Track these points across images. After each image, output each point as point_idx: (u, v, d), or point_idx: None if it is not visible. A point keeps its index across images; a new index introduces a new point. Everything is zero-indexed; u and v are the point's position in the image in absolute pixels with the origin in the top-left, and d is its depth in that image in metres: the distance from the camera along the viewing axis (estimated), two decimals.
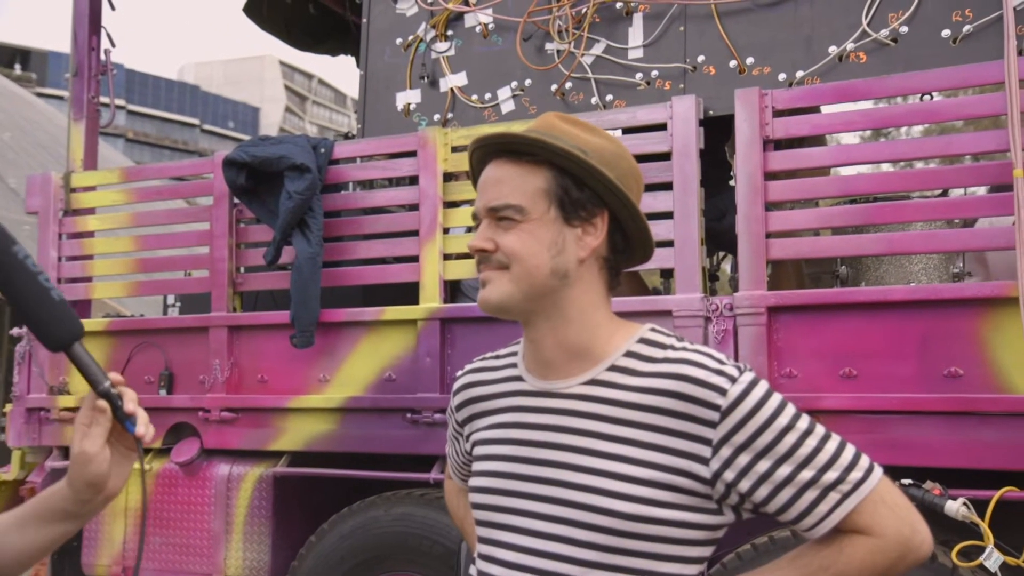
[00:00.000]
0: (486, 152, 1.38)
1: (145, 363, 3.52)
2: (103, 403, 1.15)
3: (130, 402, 1.16)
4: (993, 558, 2.19)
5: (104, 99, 4.00)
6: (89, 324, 3.66)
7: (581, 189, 1.32)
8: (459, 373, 1.53)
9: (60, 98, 30.06)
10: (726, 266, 4.36)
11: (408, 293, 3.14)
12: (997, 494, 2.25)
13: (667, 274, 3.22)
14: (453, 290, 3.22)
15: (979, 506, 2.25)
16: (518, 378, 1.41)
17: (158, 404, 3.41)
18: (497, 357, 1.49)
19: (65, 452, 3.61)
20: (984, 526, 2.20)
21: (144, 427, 1.16)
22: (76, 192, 3.74)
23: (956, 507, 2.22)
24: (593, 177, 1.31)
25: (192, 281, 3.75)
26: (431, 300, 3.06)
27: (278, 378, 3.29)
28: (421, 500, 3.02)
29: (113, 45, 3.99)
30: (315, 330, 3.15)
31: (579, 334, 1.34)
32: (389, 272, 3.23)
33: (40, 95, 29.19)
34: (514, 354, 1.46)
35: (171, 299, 4.08)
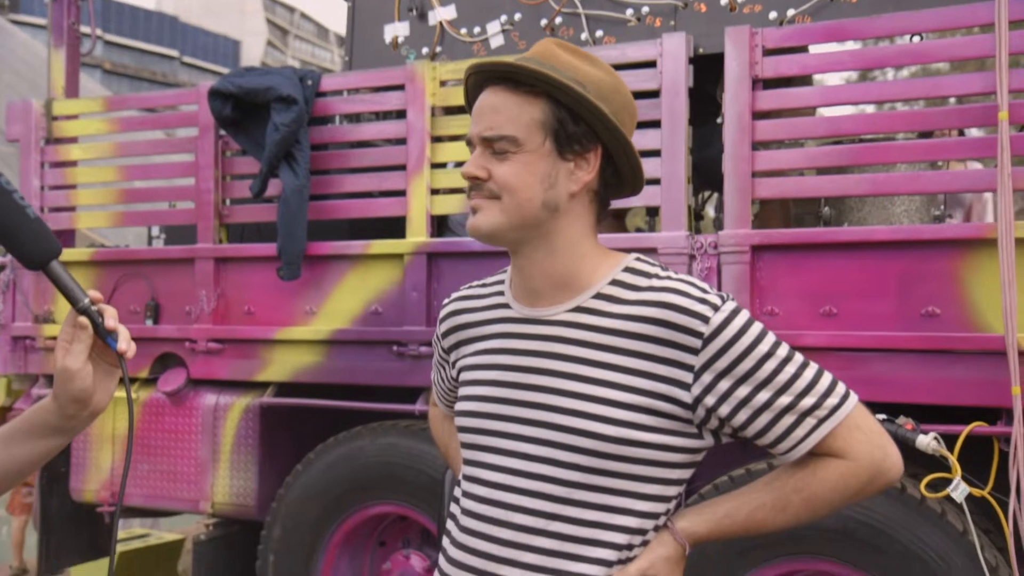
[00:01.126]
0: (482, 77, 1.37)
1: (131, 293, 3.52)
2: (84, 320, 1.15)
3: (111, 319, 1.16)
4: (960, 490, 2.26)
5: (85, 28, 3.92)
6: (74, 254, 3.65)
7: (577, 123, 1.31)
8: (445, 300, 1.54)
9: (35, 26, 29.33)
10: (710, 210, 4.38)
11: (395, 227, 3.15)
12: (966, 429, 2.33)
13: (652, 212, 3.24)
14: (440, 225, 3.23)
15: (949, 441, 2.32)
16: (505, 306, 1.42)
17: (144, 334, 3.42)
18: (484, 285, 1.50)
19: (51, 380, 3.63)
20: (953, 459, 2.27)
21: (126, 343, 1.16)
22: (58, 120, 3.69)
23: (927, 441, 2.29)
24: (590, 112, 1.30)
25: (178, 212, 3.74)
26: (418, 234, 3.07)
27: (264, 310, 3.31)
28: (406, 431, 3.07)
29: None
30: (302, 262, 3.16)
31: (566, 264, 1.36)
32: (376, 206, 3.23)
33: (14, 23, 28.47)
34: (500, 282, 1.47)
35: (155, 230, 4.06)
